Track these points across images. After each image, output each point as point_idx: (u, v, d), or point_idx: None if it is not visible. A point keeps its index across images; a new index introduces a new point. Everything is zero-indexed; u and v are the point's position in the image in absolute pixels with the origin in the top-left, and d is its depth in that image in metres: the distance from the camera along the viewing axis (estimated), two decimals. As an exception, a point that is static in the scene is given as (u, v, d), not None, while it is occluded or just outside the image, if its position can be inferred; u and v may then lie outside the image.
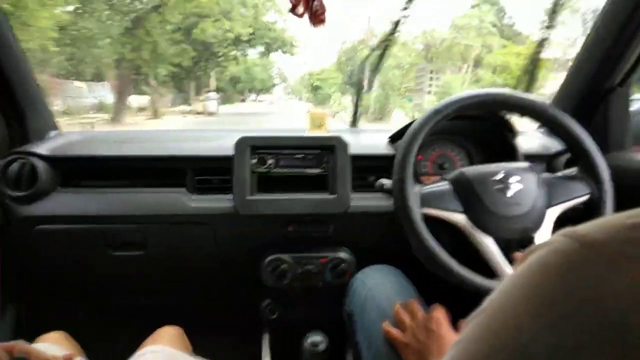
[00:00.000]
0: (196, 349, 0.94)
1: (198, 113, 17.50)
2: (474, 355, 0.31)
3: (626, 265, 0.26)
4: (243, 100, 35.37)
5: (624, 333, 0.25)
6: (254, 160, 1.04)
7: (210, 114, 17.38)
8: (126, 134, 1.28)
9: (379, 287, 0.91)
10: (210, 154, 1.09)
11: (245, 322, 1.27)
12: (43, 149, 1.07)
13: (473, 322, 0.33)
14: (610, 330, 0.25)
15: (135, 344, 0.86)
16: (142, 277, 1.20)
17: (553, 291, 0.28)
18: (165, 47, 13.69)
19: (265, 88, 37.76)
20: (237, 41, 19.12)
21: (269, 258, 1.07)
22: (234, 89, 31.91)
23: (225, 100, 28.07)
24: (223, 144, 1.09)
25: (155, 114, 14.92)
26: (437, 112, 0.86)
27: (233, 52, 21.05)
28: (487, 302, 0.33)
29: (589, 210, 0.85)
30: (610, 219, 0.30)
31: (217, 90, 26.78)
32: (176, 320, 0.98)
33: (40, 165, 1.04)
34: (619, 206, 0.84)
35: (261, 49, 21.80)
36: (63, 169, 1.08)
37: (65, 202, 1.05)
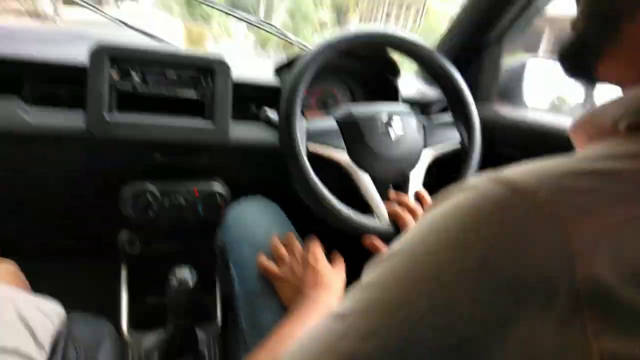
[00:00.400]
0: (39, 288, 0.81)
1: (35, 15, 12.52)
2: (381, 301, 0.30)
3: (564, 214, 0.26)
4: (99, 3, 29.06)
5: (554, 292, 0.24)
6: (115, 73, 0.87)
7: (45, 18, 12.52)
8: None
9: (255, 219, 0.88)
10: (58, 59, 0.90)
11: (100, 257, 1.15)
12: None
13: (380, 267, 0.31)
14: (540, 288, 0.24)
15: None
16: None
17: (481, 240, 0.27)
18: None
19: None
20: None
21: (131, 187, 0.95)
22: None
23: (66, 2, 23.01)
24: (74, 51, 0.90)
25: None
26: (330, 46, 0.83)
27: None
28: (397, 246, 0.32)
29: (459, 156, 0.92)
30: (537, 166, 0.29)
31: None
32: (12, 254, 0.83)
33: None
34: (481, 155, 0.92)
35: None
36: None
37: None
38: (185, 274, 0.89)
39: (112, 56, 0.85)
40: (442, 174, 0.95)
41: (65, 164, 0.94)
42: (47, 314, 0.72)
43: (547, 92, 1.18)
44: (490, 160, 1.03)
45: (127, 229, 1.07)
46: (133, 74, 0.88)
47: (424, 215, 0.32)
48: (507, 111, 1.10)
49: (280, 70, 1.07)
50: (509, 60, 1.16)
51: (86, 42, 0.88)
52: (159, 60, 0.90)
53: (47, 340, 0.69)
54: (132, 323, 1.10)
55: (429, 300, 0.27)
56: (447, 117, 0.96)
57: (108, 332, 0.81)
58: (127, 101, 0.89)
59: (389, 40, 0.89)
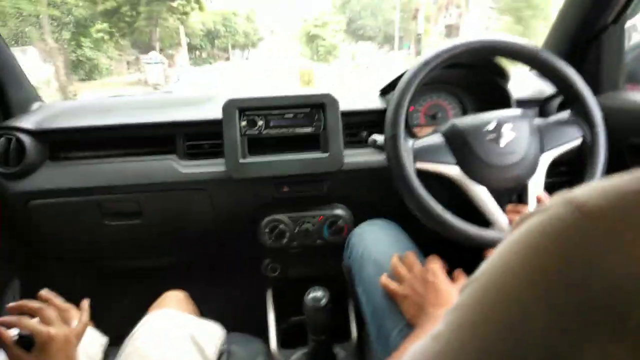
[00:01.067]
0: (202, 311, 0.98)
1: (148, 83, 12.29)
2: (470, 324, 0.31)
3: (631, 237, 0.25)
4: (228, 59, 30.32)
5: (625, 316, 0.24)
6: (244, 123, 1.04)
7: (154, 85, 11.39)
8: (111, 101, 1.26)
9: (375, 241, 0.93)
10: (199, 119, 1.09)
11: (248, 281, 1.31)
12: (28, 122, 1.07)
13: (469, 289, 0.33)
14: (609, 312, 0.24)
15: (140, 310, 0.90)
16: (141, 243, 1.22)
17: (551, 265, 0.27)
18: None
19: (252, 43, 32.84)
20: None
21: (266, 219, 1.09)
22: (213, 46, 27.48)
23: (203, 61, 24.88)
24: (211, 107, 1.08)
25: (63, 91, 9.94)
26: (426, 63, 0.85)
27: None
28: (483, 269, 0.33)
29: (582, 153, 0.86)
30: (612, 183, 0.28)
31: (193, 48, 23.29)
32: (179, 285, 1.01)
33: (27, 139, 1.04)
34: (613, 147, 0.85)
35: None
36: (50, 142, 1.08)
37: (56, 176, 1.06)
38: (318, 294, 0.98)
39: (241, 108, 1.03)
40: (571, 172, 0.90)
41: (212, 204, 1.12)
42: (212, 334, 0.88)
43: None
44: (625, 153, 0.95)
45: (269, 256, 1.21)
46: (258, 120, 1.04)
47: (503, 241, 0.33)
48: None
49: (385, 92, 1.14)
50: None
51: (214, 101, 1.06)
52: (278, 105, 1.05)
53: (213, 357, 0.84)
54: (280, 341, 1.23)
55: (507, 319, 0.29)
56: (568, 113, 0.90)
57: (261, 349, 0.94)
58: (256, 144, 1.05)
59: (487, 48, 0.88)
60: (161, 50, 18.22)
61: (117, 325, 0.88)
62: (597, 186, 0.29)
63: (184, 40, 20.46)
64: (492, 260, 0.33)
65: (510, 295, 0.29)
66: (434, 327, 0.65)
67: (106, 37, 14.43)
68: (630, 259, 0.24)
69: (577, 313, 0.25)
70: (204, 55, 25.95)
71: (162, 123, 1.09)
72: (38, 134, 1.06)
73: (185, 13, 18.27)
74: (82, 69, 13.07)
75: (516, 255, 0.30)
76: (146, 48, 17.16)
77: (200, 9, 18.47)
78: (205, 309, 0.99)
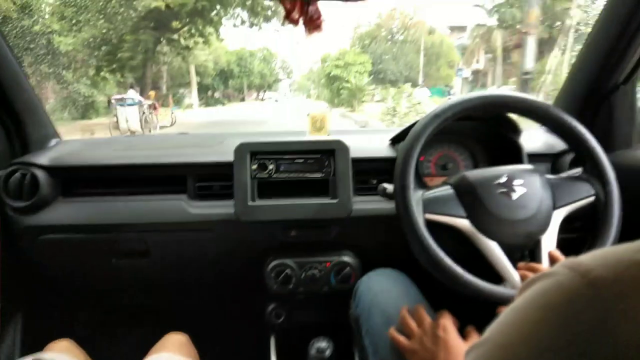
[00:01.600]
0: (203, 356, 0.96)
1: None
2: None
3: (633, 306, 0.25)
4: (242, 100, 29.53)
5: None
6: (255, 166, 1.06)
7: (130, 130, 8.81)
8: (126, 140, 1.30)
9: (384, 291, 0.92)
10: (210, 161, 1.12)
11: (251, 327, 1.29)
12: (43, 158, 1.10)
13: (475, 352, 0.33)
14: None
15: (141, 351, 0.88)
16: (146, 283, 1.22)
17: (554, 332, 0.27)
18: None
19: (267, 84, 31.77)
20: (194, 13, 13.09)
21: (273, 263, 1.09)
22: (226, 87, 26.24)
23: (215, 101, 23.72)
24: (223, 149, 1.11)
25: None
26: (437, 116, 0.87)
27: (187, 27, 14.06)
28: (488, 334, 0.33)
29: (595, 211, 0.85)
30: (618, 251, 0.29)
31: (204, 87, 21.86)
32: (182, 327, 1.00)
33: (41, 175, 1.06)
34: (627, 206, 0.84)
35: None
36: (64, 178, 1.11)
37: (67, 212, 1.08)
38: (323, 345, 0.96)
39: (252, 152, 1.05)
40: (584, 229, 0.89)
41: (219, 246, 1.12)
42: None
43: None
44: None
45: (273, 302, 1.20)
46: (269, 165, 1.06)
47: (510, 305, 0.33)
48: None
49: (395, 141, 1.16)
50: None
51: (231, 140, 1.09)
52: (289, 150, 1.07)
53: None
54: None
55: None
56: (580, 170, 0.91)
57: None
58: (266, 187, 1.06)
59: (498, 103, 0.90)
60: (168, 89, 17.51)
61: None
62: (603, 254, 0.29)
63: (194, 80, 19.56)
64: (497, 326, 0.33)
65: None
66: None
67: (106, 74, 13.28)
68: (636, 327, 0.24)
69: None
70: (217, 95, 25.37)
71: (174, 164, 1.12)
72: (52, 170, 1.09)
73: (187, 47, 16.04)
74: (75, 106, 11.75)
75: (519, 324, 0.30)
76: (153, 87, 15.66)
77: (206, 43, 16.28)
78: (206, 354, 0.97)
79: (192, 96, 19.84)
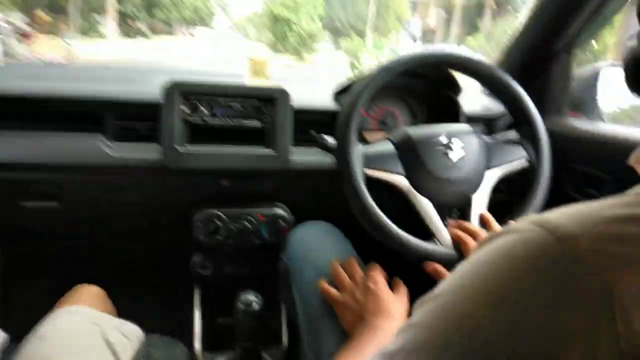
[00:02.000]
0: (121, 311, 0.90)
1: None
2: (427, 343, 0.31)
3: (604, 263, 0.25)
4: (170, 33, 25.51)
5: (595, 347, 0.24)
6: (186, 108, 0.96)
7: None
8: (36, 69, 1.13)
9: (317, 244, 0.91)
10: (134, 98, 1.01)
11: (174, 280, 1.24)
12: None
13: (427, 307, 0.32)
14: (580, 341, 0.24)
15: (47, 306, 0.81)
16: (59, 230, 1.12)
17: (520, 286, 0.27)
18: None
19: (199, 19, 28.15)
20: None
21: (201, 213, 1.03)
22: (151, 16, 22.55)
23: (137, 33, 20.62)
24: (150, 86, 1.00)
25: None
26: (385, 70, 0.85)
27: None
28: (443, 286, 0.32)
29: (527, 174, 0.89)
30: (586, 208, 0.29)
31: (123, 15, 18.93)
32: (96, 278, 0.93)
33: None
34: (553, 171, 0.88)
35: None
36: None
37: None
38: (250, 297, 0.94)
39: (183, 92, 0.95)
40: (513, 191, 0.92)
41: (143, 193, 1.04)
42: (128, 336, 0.81)
43: (623, 102, 1.11)
44: (564, 177, 0.99)
45: (199, 253, 1.15)
46: (202, 107, 0.97)
47: (468, 259, 0.33)
48: (580, 124, 1.05)
49: (338, 95, 1.12)
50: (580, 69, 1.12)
51: (158, 76, 0.98)
52: (226, 93, 0.98)
53: None
54: (204, 344, 1.17)
55: (468, 344, 0.28)
56: (514, 133, 0.93)
57: (182, 353, 0.88)
58: (196, 132, 0.98)
59: (444, 60, 0.89)
60: (80, 13, 14.80)
61: (20, 320, 0.78)
62: (571, 211, 0.29)
63: (112, 6, 16.89)
64: (453, 279, 0.32)
65: (474, 318, 0.28)
66: (378, 340, 0.64)
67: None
68: (603, 288, 0.24)
69: (545, 339, 0.25)
70: (140, 26, 21.98)
71: (91, 98, 0.99)
72: None
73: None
74: None
75: (480, 277, 0.30)
76: (54, 10, 13.15)
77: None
78: (122, 308, 0.91)
79: (106, 24, 17.07)
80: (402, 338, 0.33)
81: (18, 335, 0.77)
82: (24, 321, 0.76)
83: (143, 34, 21.57)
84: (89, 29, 15.63)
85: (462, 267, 0.32)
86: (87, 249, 1.24)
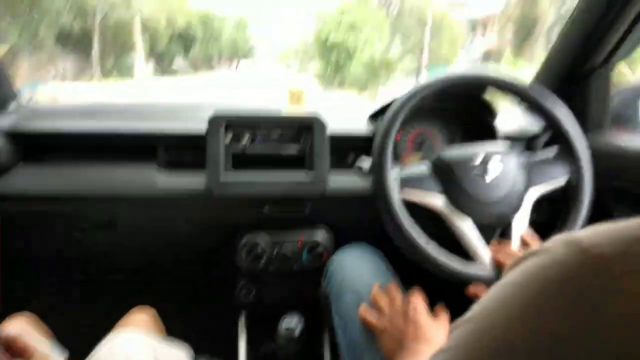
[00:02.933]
0: (170, 332, 0.95)
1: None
2: None
3: (635, 283, 0.25)
4: (211, 68, 24.81)
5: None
6: (229, 138, 1.03)
7: None
8: (93, 106, 1.24)
9: (356, 269, 0.92)
10: (183, 130, 1.08)
11: (221, 304, 1.28)
12: (3, 122, 1.04)
13: (461, 329, 0.32)
14: (611, 357, 0.24)
15: (105, 328, 0.87)
16: (112, 257, 1.20)
17: (553, 309, 0.27)
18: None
19: (240, 52, 26.41)
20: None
21: (244, 240, 1.08)
22: (187, 54, 21.57)
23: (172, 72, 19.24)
24: (196, 120, 1.07)
25: None
26: (416, 92, 0.87)
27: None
28: (477, 309, 0.32)
29: (568, 192, 0.88)
30: (617, 228, 0.28)
31: (159, 56, 17.79)
32: (149, 301, 0.98)
33: (0, 140, 1.01)
34: (595, 189, 0.87)
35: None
36: (25, 143, 1.06)
37: (28, 179, 1.03)
38: (292, 323, 0.97)
39: (227, 123, 1.02)
40: (555, 210, 0.91)
41: (189, 220, 1.10)
42: (179, 358, 0.85)
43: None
44: (607, 195, 0.97)
45: (243, 279, 1.19)
46: (244, 136, 1.04)
47: (500, 281, 0.32)
48: (623, 140, 1.03)
49: (374, 118, 1.15)
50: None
51: (204, 110, 1.06)
52: (265, 122, 1.04)
53: None
54: None
55: None
56: (554, 151, 0.93)
57: None
58: (239, 159, 1.04)
59: (475, 81, 0.91)
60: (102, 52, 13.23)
61: (80, 340, 0.84)
62: (604, 230, 0.28)
63: (139, 42, 15.16)
64: (486, 302, 0.32)
65: (507, 342, 0.28)
66: None
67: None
68: (634, 306, 0.24)
69: (580, 356, 0.25)
70: (177, 64, 21.02)
71: (144, 133, 1.08)
72: (12, 135, 1.03)
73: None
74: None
75: (513, 299, 0.30)
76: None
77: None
78: (173, 330, 0.96)
79: (137, 61, 15.41)
80: None
81: (78, 355, 0.83)
82: (83, 342, 0.82)
83: (181, 71, 20.94)
84: (114, 69, 14.50)
85: (494, 290, 0.32)
86: (139, 273, 1.31)
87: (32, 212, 1.05)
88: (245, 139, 1.04)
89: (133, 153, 1.08)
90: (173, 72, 19.80)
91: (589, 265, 0.26)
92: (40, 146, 1.08)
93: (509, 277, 0.31)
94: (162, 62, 19.58)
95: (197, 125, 1.04)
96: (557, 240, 0.30)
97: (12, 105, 1.16)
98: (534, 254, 0.31)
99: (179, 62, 21.15)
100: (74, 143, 1.09)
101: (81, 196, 1.04)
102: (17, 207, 1.04)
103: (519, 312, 0.29)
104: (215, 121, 1.01)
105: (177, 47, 20.55)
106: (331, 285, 0.92)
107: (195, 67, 22.54)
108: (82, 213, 1.07)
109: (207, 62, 24.27)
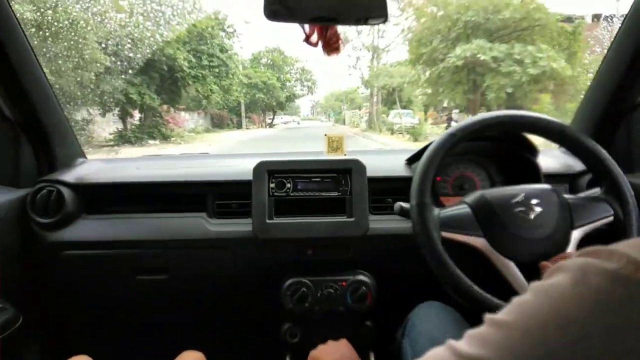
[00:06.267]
0: None
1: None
2: None
3: None
4: (270, 125, 25.85)
5: None
6: (272, 184, 1.11)
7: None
8: (148, 160, 1.37)
9: (437, 324, 0.91)
10: (229, 179, 1.17)
11: (266, 345, 1.31)
12: (69, 176, 1.17)
13: (495, 335, 0.33)
14: None
15: None
16: (164, 300, 1.26)
17: (586, 315, 0.28)
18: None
19: (277, 103, 25.86)
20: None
21: (289, 281, 1.12)
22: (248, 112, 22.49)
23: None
24: (242, 168, 1.16)
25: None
26: (453, 135, 0.90)
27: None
28: (505, 317, 0.33)
29: (614, 231, 0.87)
30: None
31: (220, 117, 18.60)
32: (198, 344, 1.03)
33: (67, 192, 1.13)
34: None
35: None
36: (88, 195, 1.18)
37: (91, 228, 1.14)
38: None
39: (270, 171, 1.11)
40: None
41: (236, 264, 1.17)
42: None
43: None
44: None
45: (288, 320, 1.22)
46: (287, 183, 1.11)
47: (531, 290, 0.33)
48: None
49: (412, 161, 1.20)
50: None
51: (249, 159, 1.15)
52: (306, 169, 1.12)
53: None
54: None
55: None
56: (598, 190, 0.92)
57: None
58: (283, 205, 1.11)
59: (509, 122, 0.92)
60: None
61: None
62: (636, 242, 0.30)
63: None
64: (519, 309, 0.33)
65: (545, 351, 0.29)
66: None
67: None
68: None
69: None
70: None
71: (194, 182, 1.17)
72: (77, 187, 1.15)
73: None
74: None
75: (552, 306, 0.31)
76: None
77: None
78: None
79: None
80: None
81: None
82: None
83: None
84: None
85: (528, 298, 0.33)
86: (189, 316, 1.38)
87: (92, 258, 1.15)
88: (288, 185, 1.11)
89: (185, 202, 1.18)
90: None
91: (623, 271, 0.28)
92: (101, 198, 1.19)
93: (546, 286, 0.32)
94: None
95: (244, 175, 1.13)
96: (595, 250, 0.31)
97: (78, 162, 1.30)
98: (565, 267, 0.32)
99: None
100: (132, 193, 1.20)
101: (137, 241, 1.14)
102: (80, 252, 1.14)
103: (557, 320, 0.30)
104: (260, 169, 1.10)
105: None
106: (410, 338, 0.92)
107: (253, 123, 24.19)
108: (139, 258, 1.16)
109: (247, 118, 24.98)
